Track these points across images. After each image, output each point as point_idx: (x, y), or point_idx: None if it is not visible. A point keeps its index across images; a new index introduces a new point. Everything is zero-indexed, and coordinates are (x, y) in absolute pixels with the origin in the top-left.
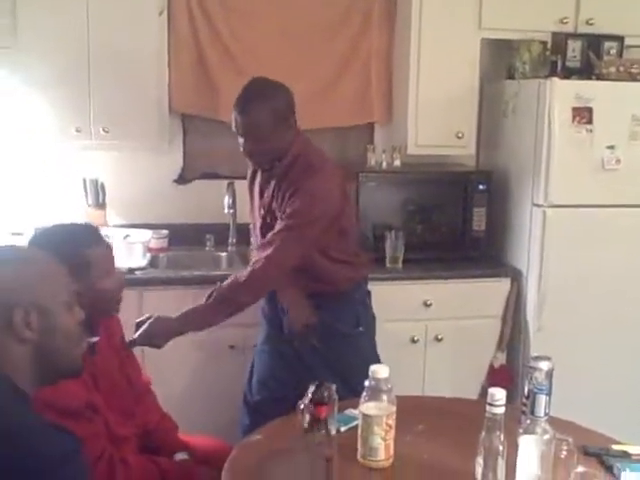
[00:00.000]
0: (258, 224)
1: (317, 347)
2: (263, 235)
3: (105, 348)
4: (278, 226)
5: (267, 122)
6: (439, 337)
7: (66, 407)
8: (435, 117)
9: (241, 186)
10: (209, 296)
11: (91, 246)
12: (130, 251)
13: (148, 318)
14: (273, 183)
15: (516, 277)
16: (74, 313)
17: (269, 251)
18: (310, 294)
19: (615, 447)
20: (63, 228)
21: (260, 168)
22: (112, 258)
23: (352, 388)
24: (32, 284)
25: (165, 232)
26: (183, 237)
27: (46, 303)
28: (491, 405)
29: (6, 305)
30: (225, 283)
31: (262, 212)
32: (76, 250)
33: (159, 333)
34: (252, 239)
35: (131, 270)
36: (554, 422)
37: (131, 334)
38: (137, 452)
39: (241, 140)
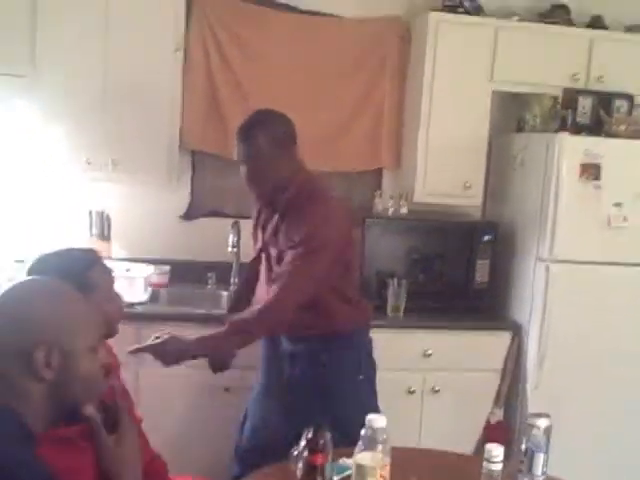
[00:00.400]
0: (264, 266)
1: (313, 396)
2: (269, 270)
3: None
4: (288, 257)
5: (266, 149)
6: (436, 389)
7: (62, 434)
8: (444, 166)
9: (246, 225)
10: (225, 324)
11: (94, 269)
12: (131, 285)
13: (166, 334)
14: (276, 216)
15: (517, 331)
16: (97, 358)
17: (282, 281)
18: (314, 336)
19: None
20: (66, 252)
21: (261, 199)
22: (113, 282)
23: (348, 437)
24: (61, 324)
25: (167, 268)
26: (185, 274)
27: (71, 346)
28: (488, 462)
29: (29, 340)
30: (242, 314)
31: (266, 247)
32: (80, 272)
33: (172, 351)
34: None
35: (131, 304)
36: None
37: (126, 374)
38: None
39: (243, 168)
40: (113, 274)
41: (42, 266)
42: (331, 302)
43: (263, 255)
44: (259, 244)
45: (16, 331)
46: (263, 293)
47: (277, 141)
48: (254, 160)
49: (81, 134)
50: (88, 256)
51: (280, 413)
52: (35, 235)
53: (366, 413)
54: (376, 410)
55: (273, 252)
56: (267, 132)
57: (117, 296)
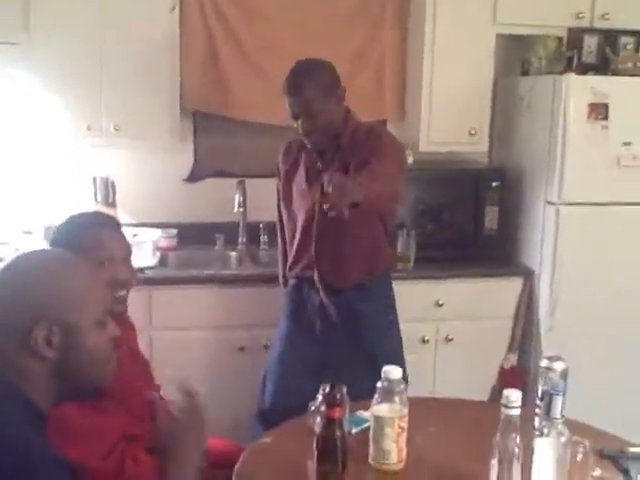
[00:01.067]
0: (302, 216)
1: (349, 340)
2: (319, 226)
3: (120, 349)
4: (374, 167)
5: (319, 99)
6: (450, 337)
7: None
8: (448, 114)
9: (251, 184)
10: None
11: (103, 231)
12: (139, 250)
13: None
14: (337, 160)
15: (528, 276)
16: (107, 331)
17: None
18: (351, 286)
19: (632, 449)
20: (79, 216)
21: (319, 148)
22: (125, 249)
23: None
24: (63, 298)
25: (174, 231)
26: (193, 236)
27: (75, 321)
28: (506, 407)
29: (29, 316)
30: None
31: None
32: (73, 233)
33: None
34: (280, 238)
35: (140, 269)
36: (569, 424)
37: (140, 338)
38: (146, 452)
39: (298, 122)
40: (127, 242)
41: (57, 233)
42: (379, 235)
43: (317, 211)
44: (302, 204)
45: (15, 305)
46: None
47: (327, 89)
48: (308, 111)
49: (80, 100)
50: (99, 219)
51: (309, 372)
52: (41, 205)
53: (397, 354)
54: (402, 353)
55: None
56: (316, 82)
57: (112, 265)
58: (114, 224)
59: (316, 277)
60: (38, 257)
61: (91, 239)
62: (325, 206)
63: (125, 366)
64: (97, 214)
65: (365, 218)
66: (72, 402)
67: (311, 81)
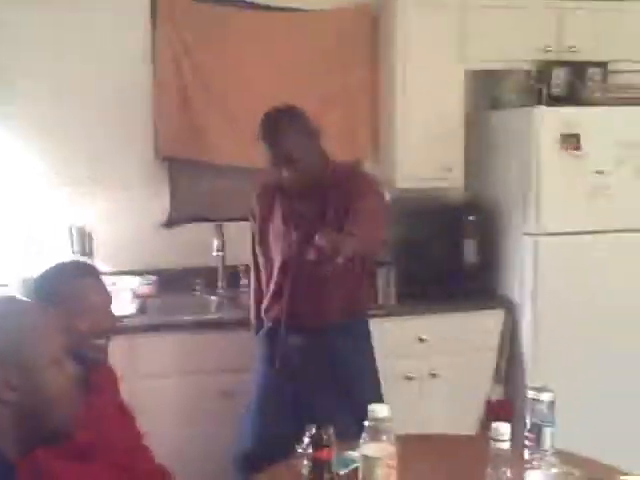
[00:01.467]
0: (279, 258)
1: (330, 382)
2: (296, 267)
3: (100, 401)
4: (361, 203)
5: (298, 144)
6: (434, 373)
7: (70, 449)
8: (423, 150)
9: (229, 228)
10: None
11: (67, 279)
12: (118, 298)
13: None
14: (318, 201)
15: (510, 308)
16: (64, 369)
17: (368, 217)
18: (331, 325)
19: (622, 478)
20: (54, 266)
21: (305, 189)
22: (95, 297)
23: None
24: (15, 340)
25: (153, 278)
26: (172, 282)
27: (29, 360)
28: (496, 440)
29: None
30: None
31: (297, 236)
32: (53, 283)
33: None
34: (254, 280)
35: (120, 317)
36: (558, 454)
37: (125, 384)
38: None
39: (283, 170)
40: (108, 290)
41: (36, 283)
42: (358, 275)
43: (296, 250)
44: (284, 243)
45: None
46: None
47: (306, 134)
48: (292, 160)
49: (54, 151)
50: (71, 265)
51: (288, 415)
52: (16, 257)
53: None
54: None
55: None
56: (295, 130)
57: (97, 313)
58: (94, 273)
59: (292, 318)
60: None
61: (71, 288)
62: (311, 256)
63: (106, 418)
64: (77, 263)
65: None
66: (42, 450)
67: (290, 129)
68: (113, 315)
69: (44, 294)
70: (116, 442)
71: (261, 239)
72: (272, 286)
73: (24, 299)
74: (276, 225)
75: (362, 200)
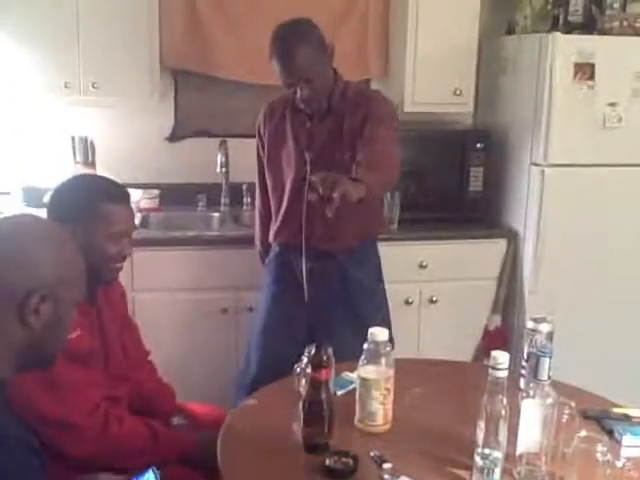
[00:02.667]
0: (291, 177)
1: (339, 305)
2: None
3: (105, 312)
4: (379, 132)
5: (313, 60)
6: (433, 299)
7: (74, 351)
8: (432, 73)
9: (234, 144)
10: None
11: (103, 202)
12: None
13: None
14: (330, 120)
15: (512, 238)
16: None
17: (386, 149)
18: (341, 249)
19: (615, 410)
20: (84, 181)
21: (317, 111)
22: (126, 222)
23: None
24: (62, 274)
25: (156, 192)
26: (174, 197)
27: (65, 297)
28: (494, 368)
29: (26, 285)
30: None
31: (324, 156)
32: (90, 202)
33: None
34: (259, 203)
35: None
36: (554, 385)
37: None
38: (129, 414)
39: (295, 89)
40: (134, 217)
41: (61, 197)
42: (374, 203)
43: (309, 171)
44: (293, 160)
45: (15, 269)
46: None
47: (320, 49)
48: (307, 77)
49: (57, 57)
50: (111, 191)
51: (296, 339)
52: (19, 165)
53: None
54: (389, 320)
55: (340, 155)
56: (310, 45)
57: (125, 240)
58: (126, 198)
59: (304, 241)
60: (31, 225)
61: (105, 213)
62: (311, 197)
63: (107, 330)
64: (108, 183)
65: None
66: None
67: (304, 45)
68: (132, 241)
69: (76, 210)
70: (121, 355)
71: (270, 160)
72: (283, 209)
73: (67, 233)
74: (287, 145)
75: (377, 126)
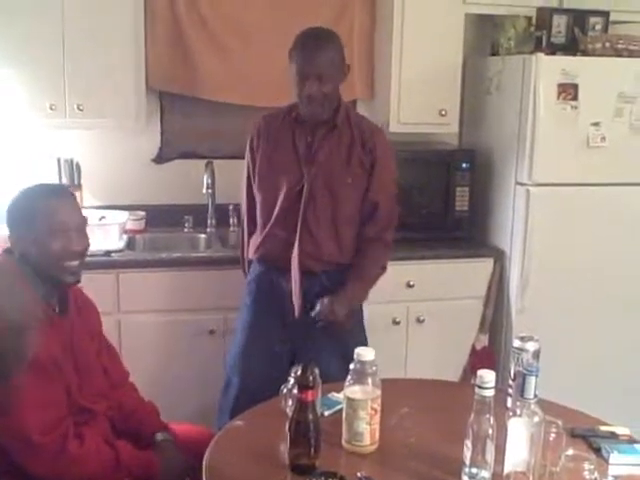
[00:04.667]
0: (286, 189)
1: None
2: (311, 191)
3: (78, 327)
4: (386, 198)
5: (335, 61)
6: (421, 319)
7: (35, 358)
8: (418, 94)
9: (220, 165)
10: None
11: (40, 199)
12: (106, 233)
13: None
14: (333, 138)
15: (499, 258)
16: None
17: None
18: (325, 271)
19: (602, 428)
20: (28, 187)
21: (315, 119)
22: (67, 214)
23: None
24: None
25: (142, 213)
26: (161, 218)
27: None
28: (480, 387)
29: None
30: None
31: (309, 169)
32: (25, 202)
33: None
34: (246, 216)
35: (107, 252)
36: (541, 404)
37: (108, 322)
38: (106, 433)
39: (311, 85)
40: (81, 211)
41: (11, 204)
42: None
43: (307, 185)
44: (294, 175)
45: None
46: (321, 233)
47: (342, 58)
48: (324, 75)
49: (42, 79)
50: (49, 186)
51: (277, 361)
52: (3, 189)
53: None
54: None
55: (339, 175)
56: (336, 48)
57: (67, 235)
58: (66, 194)
59: (296, 254)
60: None
61: (43, 207)
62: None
63: (80, 345)
64: (48, 184)
65: (355, 204)
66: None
67: (330, 45)
68: (85, 237)
69: (17, 212)
70: (101, 373)
71: (262, 173)
72: (271, 222)
73: None
74: (284, 157)
75: (385, 170)
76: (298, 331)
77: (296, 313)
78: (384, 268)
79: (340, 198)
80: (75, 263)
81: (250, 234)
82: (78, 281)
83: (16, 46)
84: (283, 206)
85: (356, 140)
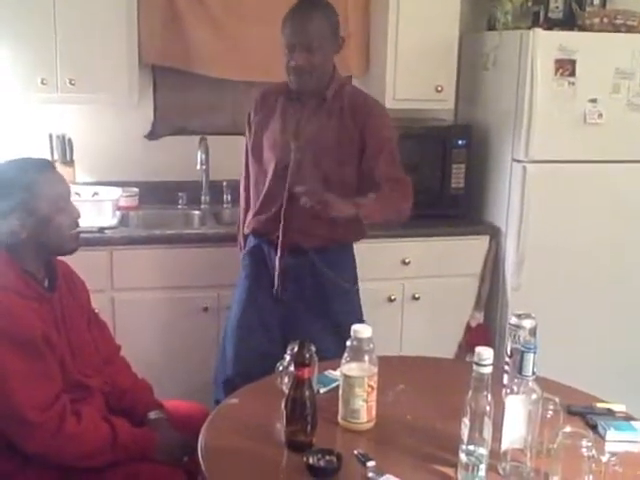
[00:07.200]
0: (273, 164)
1: (312, 303)
2: (298, 166)
3: (68, 303)
4: (387, 157)
5: (323, 32)
6: (416, 296)
7: (18, 336)
8: (414, 70)
9: (214, 142)
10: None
11: (43, 174)
12: (99, 209)
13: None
14: (323, 114)
15: (495, 235)
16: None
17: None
18: (314, 247)
19: (599, 405)
20: (19, 159)
21: (303, 90)
22: (66, 193)
23: (344, 345)
24: None
25: (136, 190)
26: (154, 195)
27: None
28: (478, 365)
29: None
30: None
31: (296, 144)
32: (27, 178)
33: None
34: (242, 189)
35: (101, 229)
36: (537, 381)
37: (101, 300)
38: (102, 409)
39: (299, 55)
40: (67, 184)
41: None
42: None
43: (294, 159)
44: (282, 150)
45: None
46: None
47: (333, 28)
48: (311, 45)
49: (34, 53)
50: (39, 162)
51: (271, 335)
52: None
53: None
54: (363, 320)
55: (326, 153)
56: (326, 17)
57: (71, 208)
58: (52, 165)
59: (280, 231)
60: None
61: (45, 182)
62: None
63: (71, 321)
64: (34, 159)
65: (346, 181)
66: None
67: (321, 15)
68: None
69: (5, 188)
70: (92, 348)
71: (255, 147)
72: (262, 196)
73: None
74: (273, 132)
75: (382, 141)
76: (289, 307)
77: (277, 293)
78: (403, 211)
79: (329, 173)
80: (77, 230)
81: (247, 209)
82: (80, 245)
83: (7, 21)
84: (272, 180)
85: (346, 113)
